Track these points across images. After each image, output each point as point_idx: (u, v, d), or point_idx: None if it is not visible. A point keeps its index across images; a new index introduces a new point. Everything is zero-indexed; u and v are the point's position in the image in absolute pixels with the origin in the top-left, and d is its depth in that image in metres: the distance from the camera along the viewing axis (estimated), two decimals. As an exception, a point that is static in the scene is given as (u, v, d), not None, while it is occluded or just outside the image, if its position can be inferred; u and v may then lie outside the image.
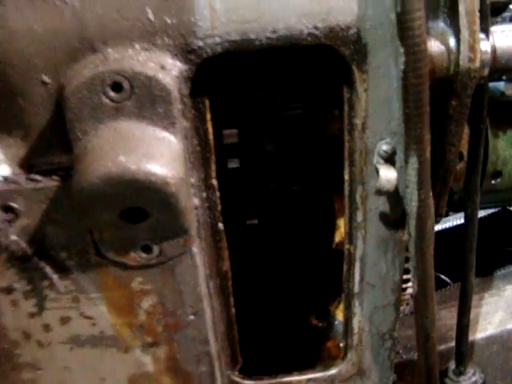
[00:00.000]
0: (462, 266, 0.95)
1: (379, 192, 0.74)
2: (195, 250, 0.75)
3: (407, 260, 0.84)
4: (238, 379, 0.90)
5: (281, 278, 1.12)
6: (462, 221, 0.95)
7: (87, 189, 0.63)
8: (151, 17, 0.66)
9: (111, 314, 0.79)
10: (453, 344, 0.98)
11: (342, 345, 0.98)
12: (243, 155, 0.98)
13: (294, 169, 1.01)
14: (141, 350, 0.82)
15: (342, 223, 0.95)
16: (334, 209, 0.96)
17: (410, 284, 0.96)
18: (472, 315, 0.97)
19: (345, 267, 0.87)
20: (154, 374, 0.84)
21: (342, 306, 1.07)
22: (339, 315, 1.12)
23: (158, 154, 0.64)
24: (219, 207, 0.79)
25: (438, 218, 0.90)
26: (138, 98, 0.65)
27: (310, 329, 1.12)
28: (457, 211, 1.13)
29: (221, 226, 0.80)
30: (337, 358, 1.00)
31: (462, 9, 0.72)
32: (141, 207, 0.66)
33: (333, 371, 0.92)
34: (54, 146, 0.71)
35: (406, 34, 0.65)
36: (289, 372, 0.94)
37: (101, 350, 0.82)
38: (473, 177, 0.88)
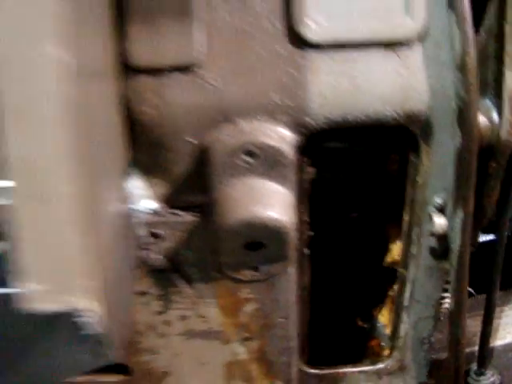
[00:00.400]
0: (488, 282, 1.18)
1: (432, 234, 0.97)
2: (291, 269, 0.99)
3: (447, 282, 1.08)
4: (306, 368, 1.15)
5: (336, 287, 1.35)
6: (488, 238, 1.17)
7: (226, 229, 0.87)
8: (275, 99, 0.88)
9: (220, 315, 1.03)
10: (476, 348, 1.22)
11: (383, 344, 1.23)
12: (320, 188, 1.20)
13: (355, 198, 1.24)
14: (238, 343, 1.06)
15: (393, 247, 1.18)
16: (387, 235, 1.19)
17: (446, 300, 1.19)
18: (493, 325, 1.20)
19: (398, 286, 1.10)
20: (245, 362, 1.09)
21: (383, 311, 1.31)
22: (380, 319, 1.36)
23: (277, 204, 0.88)
24: (305, 235, 1.02)
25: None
26: (264, 161, 0.88)
27: (357, 329, 1.36)
28: (487, 233, 1.35)
29: (306, 250, 1.04)
30: (379, 354, 1.25)
31: (505, 93, 0.94)
32: (261, 241, 0.90)
33: (380, 366, 1.16)
34: (191, 188, 0.94)
35: (463, 120, 0.88)
36: (344, 364, 1.19)
37: (207, 341, 1.06)
38: (504, 203, 1.08)
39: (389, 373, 1.18)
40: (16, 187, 0.56)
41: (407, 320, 1.12)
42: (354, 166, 1.11)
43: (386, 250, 1.23)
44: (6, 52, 0.52)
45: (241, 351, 1.07)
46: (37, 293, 0.55)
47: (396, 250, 1.21)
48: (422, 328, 1.13)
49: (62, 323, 0.64)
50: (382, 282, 1.27)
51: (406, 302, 1.10)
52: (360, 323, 1.38)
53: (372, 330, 1.37)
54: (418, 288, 1.08)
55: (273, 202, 0.87)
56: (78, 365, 0.72)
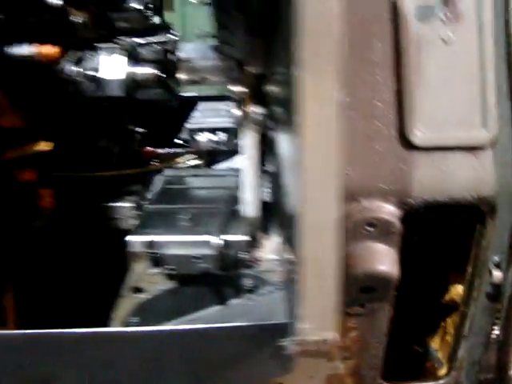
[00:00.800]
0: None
1: (490, 283, 1.33)
2: (387, 306, 1.33)
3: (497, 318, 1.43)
4: (383, 382, 1.48)
5: (402, 318, 1.69)
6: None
7: (352, 277, 1.20)
8: (389, 185, 1.23)
9: (330, 339, 1.36)
10: None
11: (436, 366, 1.57)
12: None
13: (430, 253, 1.58)
14: (339, 361, 1.39)
15: (451, 289, 1.53)
16: (448, 279, 1.54)
17: (495, 332, 1.54)
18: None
19: (459, 320, 1.44)
20: (342, 376, 1.42)
21: (435, 339, 1.66)
22: (432, 344, 1.70)
23: (388, 260, 1.22)
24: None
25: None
26: (380, 230, 1.22)
27: (415, 353, 1.69)
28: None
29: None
30: (435, 374, 1.59)
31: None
32: (373, 286, 1.24)
33: (441, 382, 1.50)
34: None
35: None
36: (411, 381, 1.52)
37: (317, 360, 1.39)
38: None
39: (447, 387, 1.52)
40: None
41: (464, 346, 1.46)
42: (435, 232, 1.46)
43: (445, 290, 1.58)
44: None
45: (340, 367, 1.40)
46: (304, 330, 0.88)
47: (454, 291, 1.56)
48: (474, 353, 1.47)
49: (269, 344, 0.98)
50: (438, 315, 1.62)
51: (464, 333, 1.44)
52: (416, 348, 1.72)
53: (426, 353, 1.71)
54: (475, 322, 1.42)
55: (385, 260, 1.22)
56: (266, 375, 1.05)
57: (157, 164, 1.73)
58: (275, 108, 1.30)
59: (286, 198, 1.24)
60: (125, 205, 1.58)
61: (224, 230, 1.23)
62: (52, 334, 0.94)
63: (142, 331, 0.97)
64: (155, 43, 1.53)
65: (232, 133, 1.78)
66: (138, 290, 1.28)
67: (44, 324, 1.13)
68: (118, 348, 0.97)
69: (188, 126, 1.87)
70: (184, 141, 1.82)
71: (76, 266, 1.58)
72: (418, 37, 1.20)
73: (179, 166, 1.73)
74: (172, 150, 1.85)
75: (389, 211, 1.23)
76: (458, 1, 1.21)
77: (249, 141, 1.30)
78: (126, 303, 1.29)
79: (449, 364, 1.52)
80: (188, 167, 1.74)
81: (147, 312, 1.26)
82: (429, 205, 1.25)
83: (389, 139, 1.21)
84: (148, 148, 1.89)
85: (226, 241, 1.21)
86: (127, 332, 0.97)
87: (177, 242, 1.21)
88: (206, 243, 1.21)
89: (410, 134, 1.21)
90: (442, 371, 1.59)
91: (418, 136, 1.21)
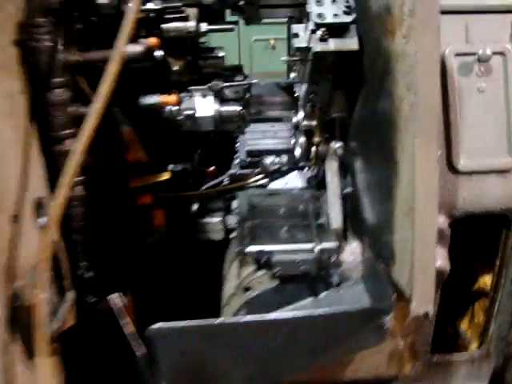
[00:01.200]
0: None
1: (516, 273, 1.72)
2: (437, 293, 1.72)
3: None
4: (431, 355, 1.87)
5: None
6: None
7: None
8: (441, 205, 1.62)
9: (394, 322, 1.74)
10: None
11: (466, 342, 1.97)
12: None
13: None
14: (400, 338, 1.78)
15: (480, 279, 1.93)
16: (477, 271, 1.94)
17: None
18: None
19: (488, 303, 1.84)
20: (401, 350, 1.80)
21: (464, 320, 2.06)
22: (461, 326, 2.10)
23: (442, 258, 1.61)
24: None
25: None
26: (437, 235, 1.61)
27: (449, 334, 2.09)
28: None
29: (440, 283, 1.77)
30: (466, 348, 1.98)
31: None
32: (431, 278, 1.62)
33: (476, 353, 1.90)
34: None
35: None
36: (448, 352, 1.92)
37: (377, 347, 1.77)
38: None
39: (479, 358, 1.91)
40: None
41: (493, 325, 1.86)
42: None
43: (473, 281, 1.98)
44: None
45: (401, 343, 1.79)
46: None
47: (482, 281, 1.96)
48: (502, 330, 1.87)
49: (372, 322, 1.35)
50: (466, 302, 2.02)
51: (494, 314, 1.84)
52: (449, 329, 2.12)
53: (456, 334, 2.11)
54: (502, 304, 1.82)
55: (439, 258, 1.61)
56: (368, 344, 1.42)
57: (233, 184, 2.08)
58: (353, 143, 1.68)
59: (363, 212, 1.62)
60: (214, 220, 1.94)
61: (319, 239, 1.61)
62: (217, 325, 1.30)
63: (284, 317, 1.34)
64: (235, 85, 1.89)
65: (289, 154, 2.16)
66: (246, 289, 1.64)
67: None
68: (263, 331, 1.34)
69: (250, 147, 2.23)
70: (249, 162, 2.18)
71: (183, 273, 1.94)
72: (460, 87, 1.59)
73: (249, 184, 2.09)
74: (239, 171, 2.19)
75: (441, 220, 1.62)
76: (489, 59, 1.61)
77: (331, 167, 1.68)
78: (237, 300, 1.66)
79: (480, 339, 1.92)
80: (257, 186, 2.09)
81: (254, 306, 1.63)
82: (468, 214, 1.64)
83: (441, 167, 1.60)
84: (211, 168, 2.24)
85: (321, 248, 1.58)
86: (271, 319, 1.33)
87: (283, 250, 1.59)
88: (308, 250, 1.58)
89: (456, 162, 1.60)
90: (472, 346, 1.99)
91: (461, 163, 1.60)
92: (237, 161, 2.26)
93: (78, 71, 1.61)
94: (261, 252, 1.56)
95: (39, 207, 1.54)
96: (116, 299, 1.47)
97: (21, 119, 1.45)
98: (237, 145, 2.34)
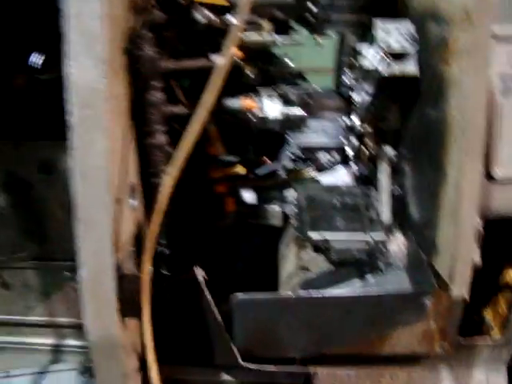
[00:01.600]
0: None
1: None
2: (468, 285, 1.98)
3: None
4: (459, 337, 2.13)
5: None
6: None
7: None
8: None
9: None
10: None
11: (490, 329, 2.23)
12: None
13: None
14: (432, 320, 2.04)
15: (506, 274, 2.18)
16: (504, 269, 2.19)
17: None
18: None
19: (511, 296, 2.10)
20: (433, 331, 2.06)
21: (488, 310, 2.32)
22: (486, 314, 2.35)
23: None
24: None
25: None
26: (471, 233, 1.87)
27: (474, 321, 2.35)
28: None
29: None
30: (490, 335, 2.24)
31: None
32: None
33: (498, 339, 2.16)
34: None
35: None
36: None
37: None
38: None
39: (501, 344, 2.18)
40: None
41: (515, 314, 2.12)
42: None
43: (498, 274, 2.23)
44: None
45: (432, 325, 2.06)
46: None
47: (508, 276, 2.21)
48: (522, 319, 2.12)
49: (415, 302, 1.62)
50: (491, 293, 2.28)
51: (516, 305, 2.10)
52: (475, 317, 2.37)
53: (481, 321, 2.36)
54: (524, 297, 2.07)
55: (476, 255, 1.86)
56: (410, 322, 1.69)
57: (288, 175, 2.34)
58: (403, 150, 1.94)
59: (409, 210, 1.88)
60: (273, 207, 2.21)
61: (371, 230, 1.88)
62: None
63: (343, 295, 1.63)
64: (301, 92, 2.14)
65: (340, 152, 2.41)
66: (305, 268, 1.92)
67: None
68: (325, 305, 1.63)
69: (303, 144, 2.48)
70: (301, 157, 2.43)
71: (249, 255, 2.24)
72: (502, 106, 1.84)
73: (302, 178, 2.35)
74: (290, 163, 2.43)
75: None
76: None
77: (384, 169, 1.95)
78: (295, 279, 1.94)
79: (502, 327, 2.18)
80: (308, 179, 2.35)
81: (310, 285, 1.91)
82: (501, 217, 1.90)
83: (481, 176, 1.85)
84: (265, 159, 2.49)
85: (372, 238, 1.85)
86: (332, 295, 1.62)
87: (339, 238, 1.86)
88: (360, 240, 1.85)
89: (493, 171, 1.85)
90: (494, 333, 2.25)
91: (497, 172, 1.85)
92: (287, 153, 2.49)
93: (172, 76, 1.89)
94: (319, 238, 1.84)
95: (132, 191, 1.84)
96: (199, 271, 1.76)
97: (123, 117, 1.74)
98: (288, 138, 2.59)
